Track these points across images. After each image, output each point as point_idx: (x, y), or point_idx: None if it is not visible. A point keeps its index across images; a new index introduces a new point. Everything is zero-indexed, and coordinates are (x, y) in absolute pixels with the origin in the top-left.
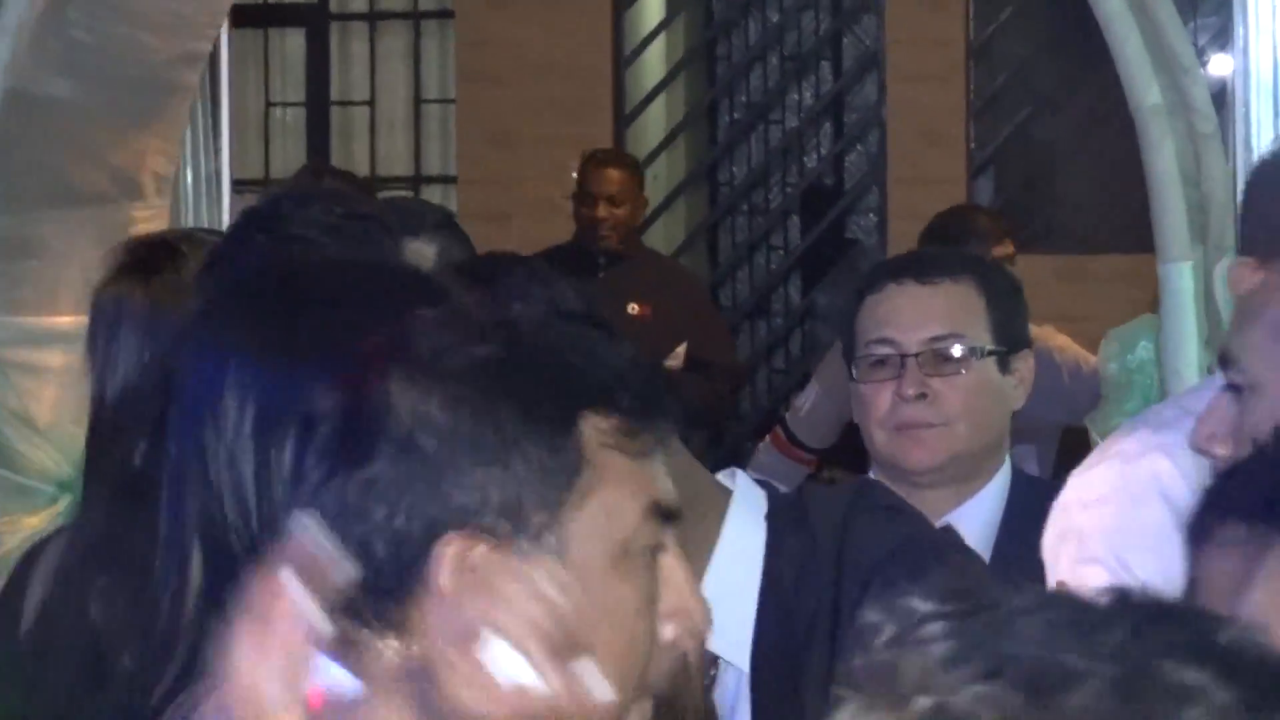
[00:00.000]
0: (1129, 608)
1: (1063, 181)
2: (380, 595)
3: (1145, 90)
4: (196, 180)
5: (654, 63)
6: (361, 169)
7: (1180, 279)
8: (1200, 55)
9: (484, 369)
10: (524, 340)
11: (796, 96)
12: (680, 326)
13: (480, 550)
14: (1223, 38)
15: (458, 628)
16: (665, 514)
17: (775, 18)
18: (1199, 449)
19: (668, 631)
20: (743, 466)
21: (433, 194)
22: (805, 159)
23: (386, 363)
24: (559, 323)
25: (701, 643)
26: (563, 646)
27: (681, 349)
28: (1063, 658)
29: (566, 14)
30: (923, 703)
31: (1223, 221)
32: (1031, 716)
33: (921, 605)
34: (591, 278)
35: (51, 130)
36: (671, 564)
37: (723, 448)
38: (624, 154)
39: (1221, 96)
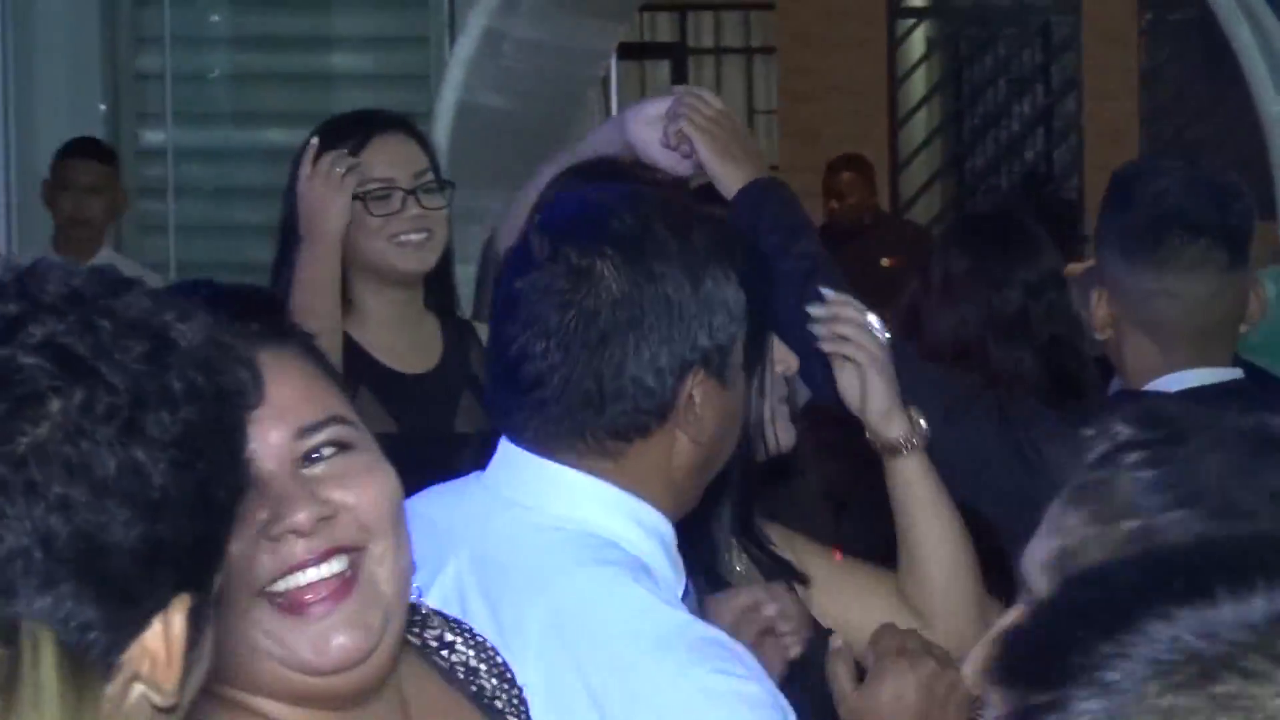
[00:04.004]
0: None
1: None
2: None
3: (1271, 102)
4: None
5: (918, 84)
6: None
7: None
8: None
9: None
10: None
11: (1019, 109)
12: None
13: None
14: None
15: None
16: None
17: (1002, 52)
18: None
19: None
20: None
21: None
22: (1025, 154)
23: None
24: (680, 205)
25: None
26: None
27: None
28: (1237, 496)
29: (855, 50)
30: (1130, 524)
31: None
32: None
33: (1124, 430)
34: (854, 241)
35: (489, 130)
36: None
37: None
38: (857, 157)
39: None
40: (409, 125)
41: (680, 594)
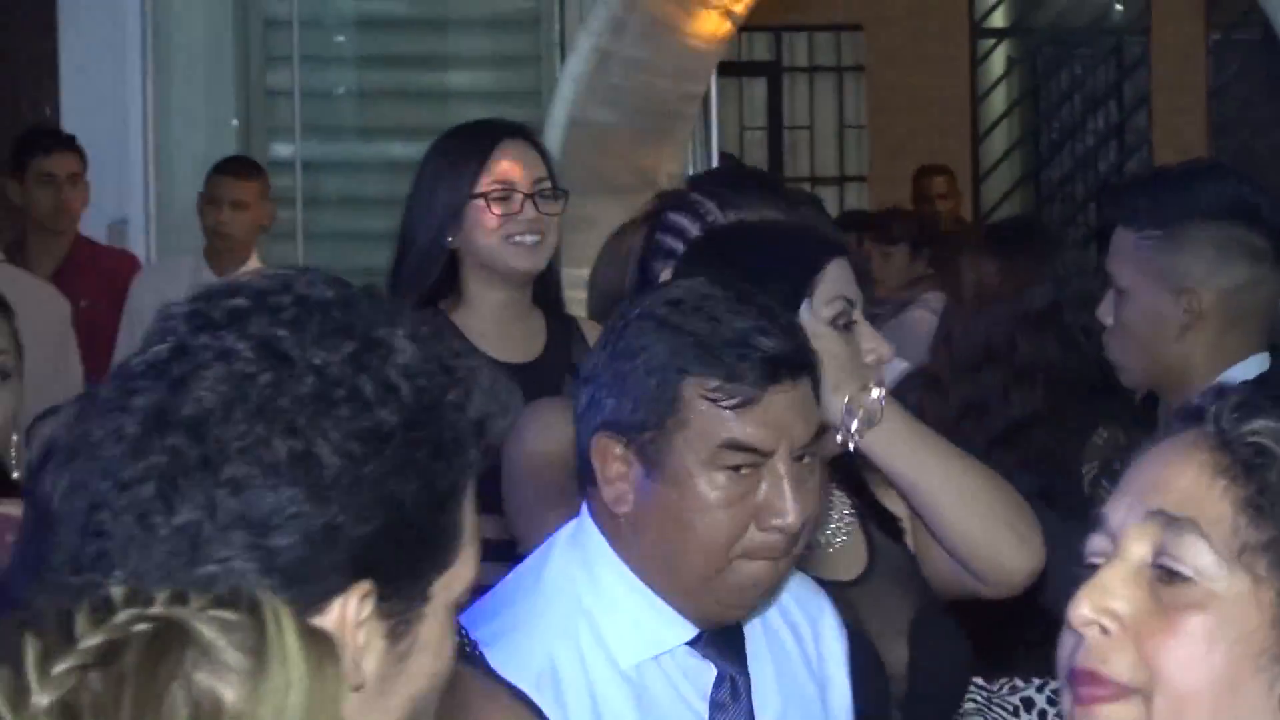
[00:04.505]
0: None
1: (1272, 181)
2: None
3: None
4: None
5: (998, 100)
6: (804, 171)
7: None
8: None
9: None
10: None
11: (1092, 124)
12: None
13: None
14: None
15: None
16: (744, 448)
17: (1078, 70)
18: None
19: (761, 521)
20: None
21: (851, 189)
22: (1099, 167)
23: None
24: (707, 301)
25: (793, 535)
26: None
27: None
28: None
29: (939, 68)
30: None
31: None
32: None
33: None
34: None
35: (599, 143)
36: (774, 479)
37: None
38: (943, 166)
39: None
40: (530, 135)
41: (651, 659)
